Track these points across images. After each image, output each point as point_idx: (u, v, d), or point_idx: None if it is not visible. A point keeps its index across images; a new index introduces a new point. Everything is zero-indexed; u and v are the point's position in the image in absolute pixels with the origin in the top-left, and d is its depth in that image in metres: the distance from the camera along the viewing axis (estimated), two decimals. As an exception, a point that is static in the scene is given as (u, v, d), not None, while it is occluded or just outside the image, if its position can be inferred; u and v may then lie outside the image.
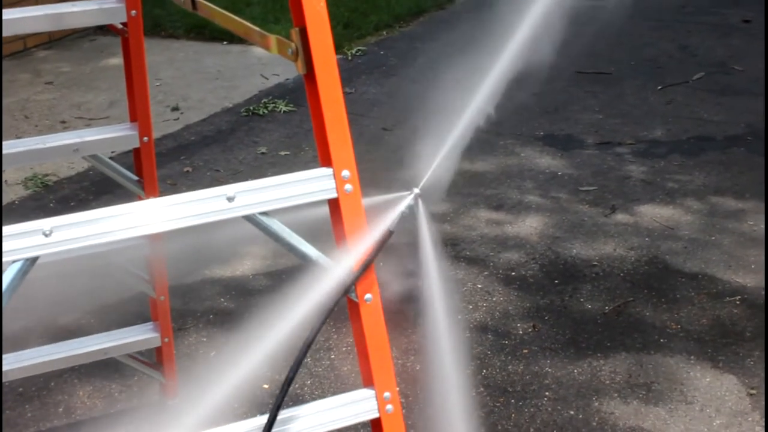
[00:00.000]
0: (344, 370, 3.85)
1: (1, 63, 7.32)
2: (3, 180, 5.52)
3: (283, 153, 6.01)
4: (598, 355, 3.96)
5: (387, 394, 2.00)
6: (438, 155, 2.11)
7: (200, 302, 4.36)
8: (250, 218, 1.87)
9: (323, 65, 1.85)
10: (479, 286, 4.46)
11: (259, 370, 3.93)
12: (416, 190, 2.01)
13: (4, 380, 3.27)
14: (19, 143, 2.94)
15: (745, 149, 5.96)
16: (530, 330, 4.13)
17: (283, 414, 1.96)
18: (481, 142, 5.91)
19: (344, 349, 3.95)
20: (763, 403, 3.64)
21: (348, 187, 1.90)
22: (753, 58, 7.49)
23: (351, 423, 2.01)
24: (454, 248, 4.79)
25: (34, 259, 1.73)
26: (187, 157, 5.96)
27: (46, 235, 1.73)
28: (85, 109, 6.74)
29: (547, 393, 3.73)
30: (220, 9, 2.22)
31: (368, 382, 2.01)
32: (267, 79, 7.35)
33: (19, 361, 3.19)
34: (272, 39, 1.97)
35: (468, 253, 4.76)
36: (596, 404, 3.66)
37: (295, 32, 1.86)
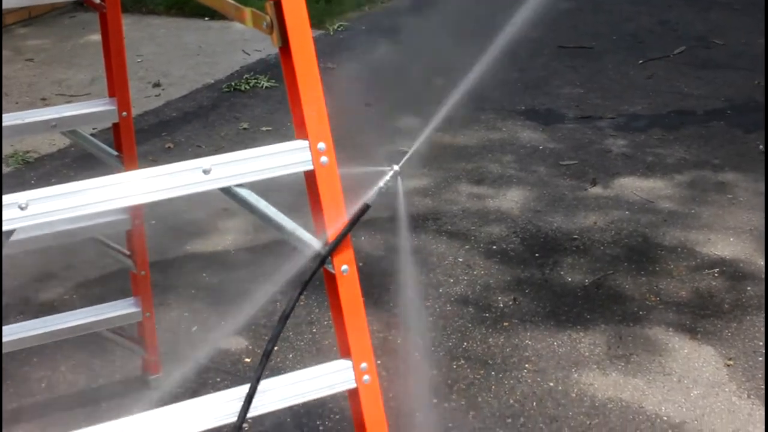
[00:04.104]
0: (325, 343, 3.86)
1: (1, 45, 7.25)
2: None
3: (264, 128, 6.00)
4: (578, 327, 3.98)
5: (364, 364, 2.01)
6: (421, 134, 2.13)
7: (182, 277, 4.36)
8: (226, 190, 1.87)
9: (298, 38, 1.85)
10: (460, 259, 4.48)
11: (239, 344, 3.96)
12: (396, 168, 2.01)
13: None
14: (-5, 119, 2.93)
15: (725, 123, 5.98)
16: (511, 303, 4.15)
17: (262, 384, 1.97)
18: (463, 116, 5.91)
19: (326, 323, 3.96)
20: (740, 374, 3.67)
21: (324, 159, 1.90)
22: (734, 32, 7.52)
23: (328, 393, 2.02)
24: (435, 222, 4.81)
25: (9, 233, 1.73)
26: (169, 133, 5.95)
27: (22, 209, 1.72)
28: (65, 86, 6.71)
29: (527, 365, 3.75)
30: (194, -19, 2.21)
31: (345, 353, 2.02)
32: (249, 54, 7.34)
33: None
34: (247, 12, 1.96)
35: (449, 227, 4.78)
36: (575, 376, 3.69)
37: (269, 5, 1.85)
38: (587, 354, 3.81)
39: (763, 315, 4.01)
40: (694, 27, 7.77)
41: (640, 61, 7.04)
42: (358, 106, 6.25)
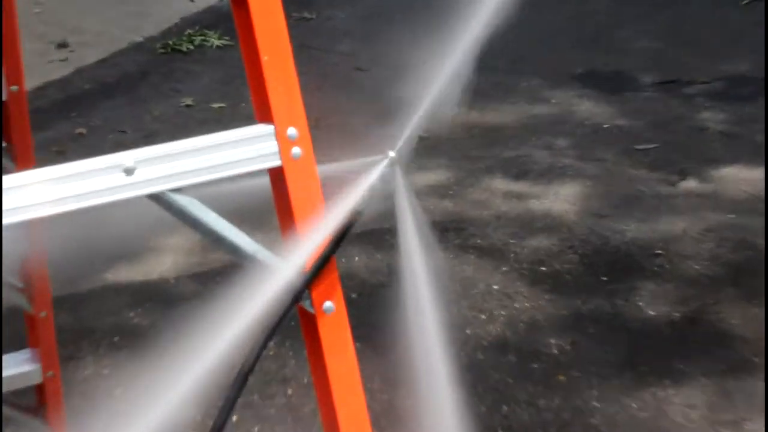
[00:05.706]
0: (306, 411, 3.86)
1: None
2: None
3: (216, 105, 6.01)
4: (666, 381, 3.97)
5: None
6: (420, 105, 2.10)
7: (100, 318, 4.36)
8: (157, 197, 1.86)
9: (257, -23, 1.84)
10: (495, 287, 4.48)
11: (183, 413, 3.93)
12: (392, 154, 1.99)
13: None
14: None
15: None
16: (568, 348, 4.15)
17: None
18: (495, 83, 5.91)
19: (306, 380, 3.96)
20: None
21: (296, 150, 1.89)
22: None
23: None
24: (458, 234, 4.80)
25: None
26: (81, 113, 5.95)
27: None
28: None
29: (593, 436, 3.76)
30: None
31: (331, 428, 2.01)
32: (193, 1, 7.36)
33: None
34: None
35: (479, 240, 4.78)
36: (663, 451, 3.69)
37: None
38: (680, 419, 3.80)
39: None
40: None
41: (744, 1, 7.05)
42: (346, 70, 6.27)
